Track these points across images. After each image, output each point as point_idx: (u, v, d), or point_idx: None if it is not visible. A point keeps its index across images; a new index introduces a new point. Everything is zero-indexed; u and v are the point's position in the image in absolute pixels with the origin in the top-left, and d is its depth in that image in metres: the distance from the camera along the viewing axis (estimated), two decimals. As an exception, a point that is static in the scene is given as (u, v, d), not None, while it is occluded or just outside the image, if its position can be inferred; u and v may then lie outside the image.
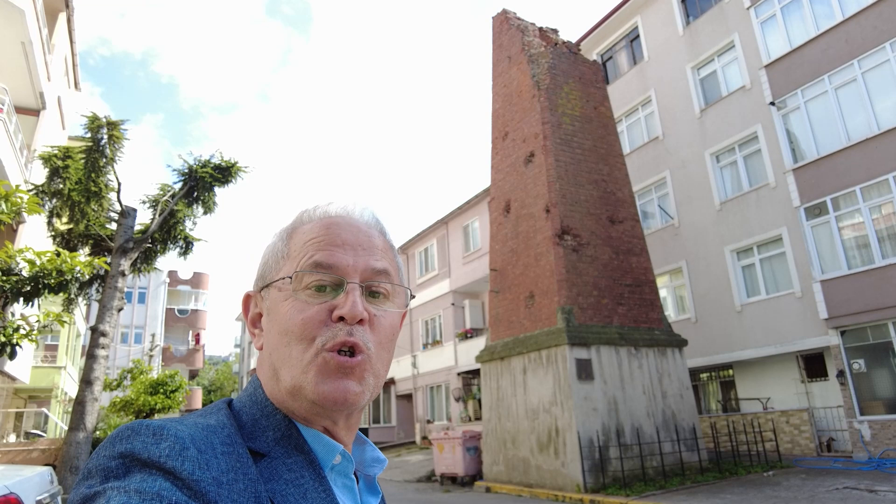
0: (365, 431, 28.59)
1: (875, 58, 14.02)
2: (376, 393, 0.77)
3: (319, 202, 0.84)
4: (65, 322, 9.52)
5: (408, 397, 28.51)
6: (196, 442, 0.61)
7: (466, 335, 23.69)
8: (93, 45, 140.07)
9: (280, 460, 0.68)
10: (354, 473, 0.79)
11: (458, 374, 23.84)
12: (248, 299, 0.83)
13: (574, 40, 19.07)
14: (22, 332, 8.66)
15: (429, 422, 25.63)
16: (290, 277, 0.74)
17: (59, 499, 4.35)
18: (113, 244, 13.05)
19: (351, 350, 0.72)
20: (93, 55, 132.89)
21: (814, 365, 15.63)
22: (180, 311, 46.40)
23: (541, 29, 17.69)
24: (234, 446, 0.65)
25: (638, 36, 21.53)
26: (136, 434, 0.61)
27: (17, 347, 8.64)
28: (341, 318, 0.72)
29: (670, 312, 18.78)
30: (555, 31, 17.90)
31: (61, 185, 12.58)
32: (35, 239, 14.38)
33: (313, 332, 0.72)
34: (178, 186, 14.17)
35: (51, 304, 15.07)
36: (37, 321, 9.07)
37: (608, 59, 22.93)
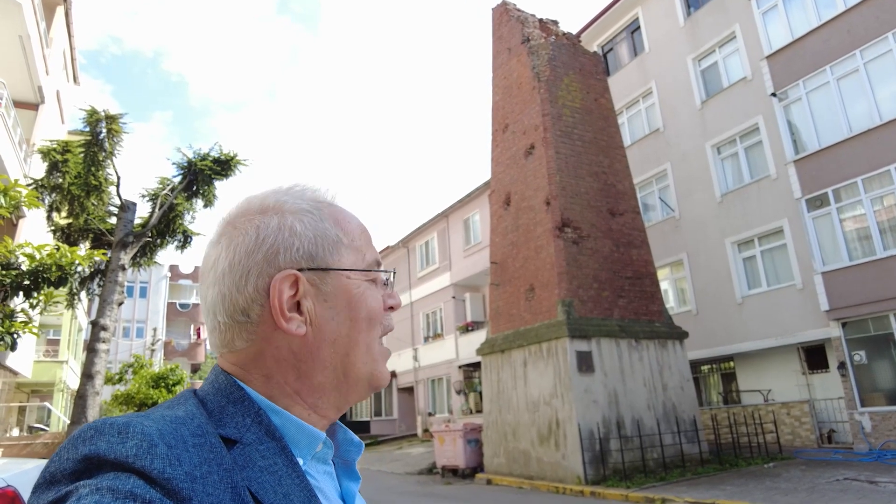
0: (367, 424, 28.75)
1: (877, 48, 13.92)
2: None
3: (309, 184, 0.82)
4: (59, 304, 9.51)
5: (409, 390, 28.57)
6: (165, 437, 0.58)
7: (467, 328, 23.71)
8: (105, 44, 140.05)
9: (253, 447, 0.66)
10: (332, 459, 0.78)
11: (459, 366, 23.87)
12: (289, 281, 0.72)
13: (574, 32, 18.96)
14: (20, 320, 8.66)
15: (430, 414, 25.69)
16: (391, 271, 0.83)
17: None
18: (113, 238, 13.04)
19: None
20: (104, 54, 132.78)
21: (815, 357, 15.63)
22: (182, 306, 46.48)
23: (541, 20, 17.60)
24: (205, 436, 0.63)
25: (639, 27, 21.41)
26: (99, 434, 0.58)
27: (17, 336, 8.64)
28: (390, 308, 0.82)
29: (671, 305, 18.76)
30: (555, 23, 17.81)
31: (60, 180, 12.56)
32: (35, 233, 14.38)
33: (381, 320, 0.79)
34: (177, 180, 14.15)
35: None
36: (30, 306, 9.07)
37: (609, 51, 22.82)
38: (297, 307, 0.73)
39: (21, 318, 8.70)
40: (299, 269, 0.73)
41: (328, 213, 0.78)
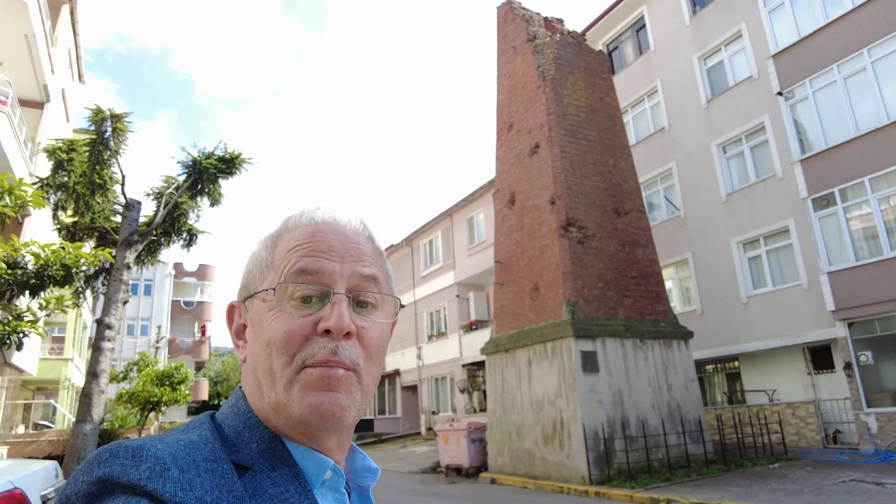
0: (370, 423, 28.77)
1: (885, 47, 13.83)
2: (364, 409, 0.74)
3: (305, 208, 0.81)
4: (67, 308, 9.54)
5: (413, 389, 28.59)
6: (177, 461, 0.59)
7: (471, 327, 23.69)
8: (111, 43, 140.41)
9: (264, 474, 0.66)
10: (346, 486, 0.77)
11: (463, 365, 23.87)
12: (231, 310, 0.80)
13: (580, 30, 18.90)
14: (26, 320, 8.69)
15: (434, 413, 25.70)
16: (274, 289, 0.71)
17: (65, 493, 4.35)
18: (118, 237, 13.06)
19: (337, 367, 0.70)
20: (111, 52, 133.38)
21: (820, 357, 15.56)
22: (186, 303, 46.56)
23: (546, 19, 17.54)
24: (217, 462, 0.63)
25: (644, 26, 21.33)
26: (114, 457, 0.59)
27: (23, 336, 8.68)
28: (327, 331, 0.69)
29: (676, 304, 18.71)
30: (560, 21, 17.74)
31: (66, 178, 12.59)
32: (40, 232, 14.41)
33: (295, 346, 0.69)
34: (182, 179, 14.15)
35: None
36: (39, 307, 9.10)
37: (614, 50, 22.74)
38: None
39: (28, 318, 8.72)
40: (245, 299, 0.78)
41: (278, 237, 0.78)
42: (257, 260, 0.78)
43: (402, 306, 0.84)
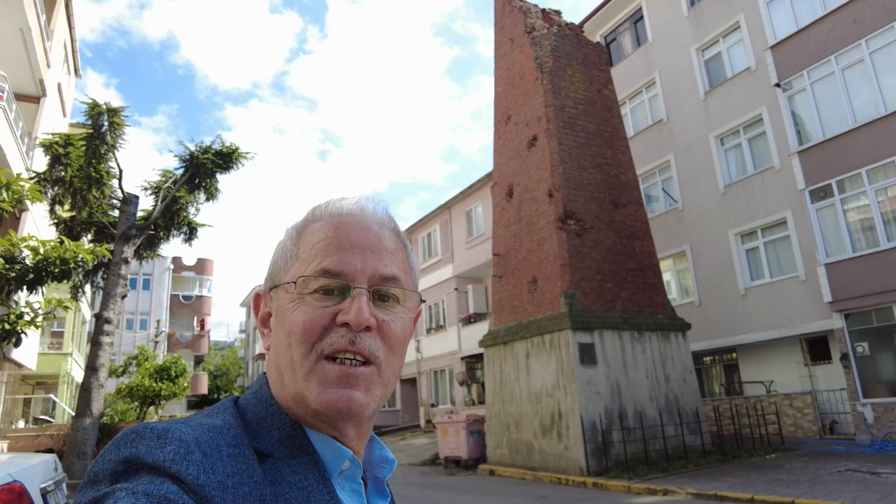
0: (370, 416, 28.77)
1: (883, 37, 13.80)
2: (384, 400, 0.75)
3: (332, 198, 0.81)
4: (68, 308, 9.57)
5: (412, 381, 28.68)
6: (201, 445, 0.61)
7: (470, 320, 23.74)
8: (111, 38, 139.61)
9: (284, 461, 0.68)
10: (363, 476, 0.78)
11: (462, 358, 23.93)
12: (258, 298, 0.81)
13: (577, 22, 18.84)
14: (26, 318, 8.71)
15: (433, 406, 25.78)
16: (295, 282, 0.72)
17: (64, 485, 4.38)
18: (116, 231, 13.05)
19: (358, 358, 0.70)
20: (111, 47, 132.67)
21: (817, 348, 15.62)
22: (185, 298, 46.56)
23: (543, 10, 17.49)
24: (240, 448, 0.65)
25: (642, 17, 21.26)
26: (140, 438, 0.61)
27: (22, 335, 8.70)
28: (345, 324, 0.70)
29: (674, 296, 18.74)
30: (558, 13, 17.69)
31: (63, 173, 12.57)
32: (38, 226, 14.39)
33: (315, 336, 0.70)
34: (179, 173, 14.13)
35: (54, 290, 15.13)
36: (39, 307, 9.13)
37: (612, 41, 22.67)
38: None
39: (28, 316, 8.75)
40: (270, 289, 0.79)
41: (303, 227, 0.79)
42: (283, 250, 0.79)
43: (424, 301, 0.84)
